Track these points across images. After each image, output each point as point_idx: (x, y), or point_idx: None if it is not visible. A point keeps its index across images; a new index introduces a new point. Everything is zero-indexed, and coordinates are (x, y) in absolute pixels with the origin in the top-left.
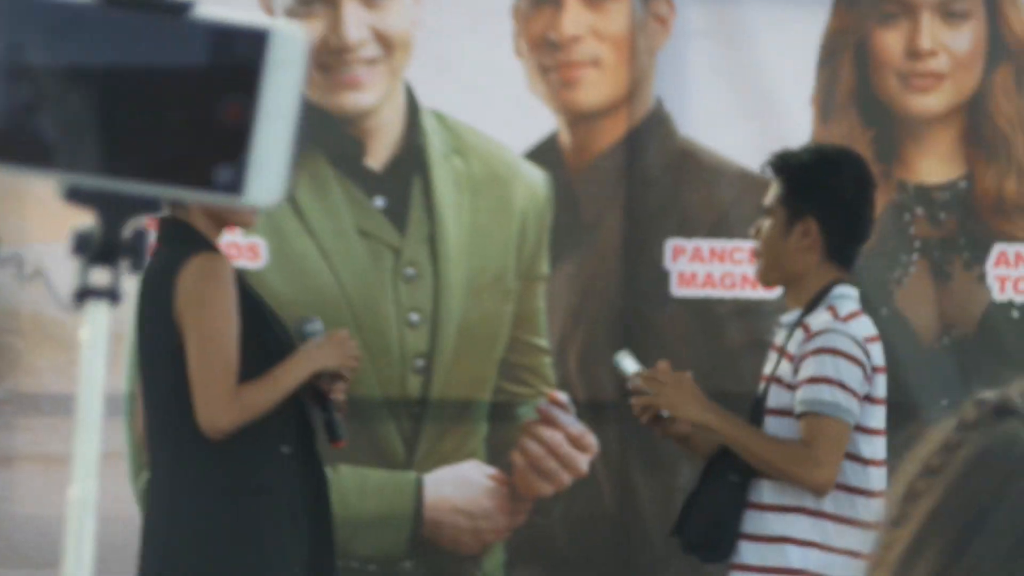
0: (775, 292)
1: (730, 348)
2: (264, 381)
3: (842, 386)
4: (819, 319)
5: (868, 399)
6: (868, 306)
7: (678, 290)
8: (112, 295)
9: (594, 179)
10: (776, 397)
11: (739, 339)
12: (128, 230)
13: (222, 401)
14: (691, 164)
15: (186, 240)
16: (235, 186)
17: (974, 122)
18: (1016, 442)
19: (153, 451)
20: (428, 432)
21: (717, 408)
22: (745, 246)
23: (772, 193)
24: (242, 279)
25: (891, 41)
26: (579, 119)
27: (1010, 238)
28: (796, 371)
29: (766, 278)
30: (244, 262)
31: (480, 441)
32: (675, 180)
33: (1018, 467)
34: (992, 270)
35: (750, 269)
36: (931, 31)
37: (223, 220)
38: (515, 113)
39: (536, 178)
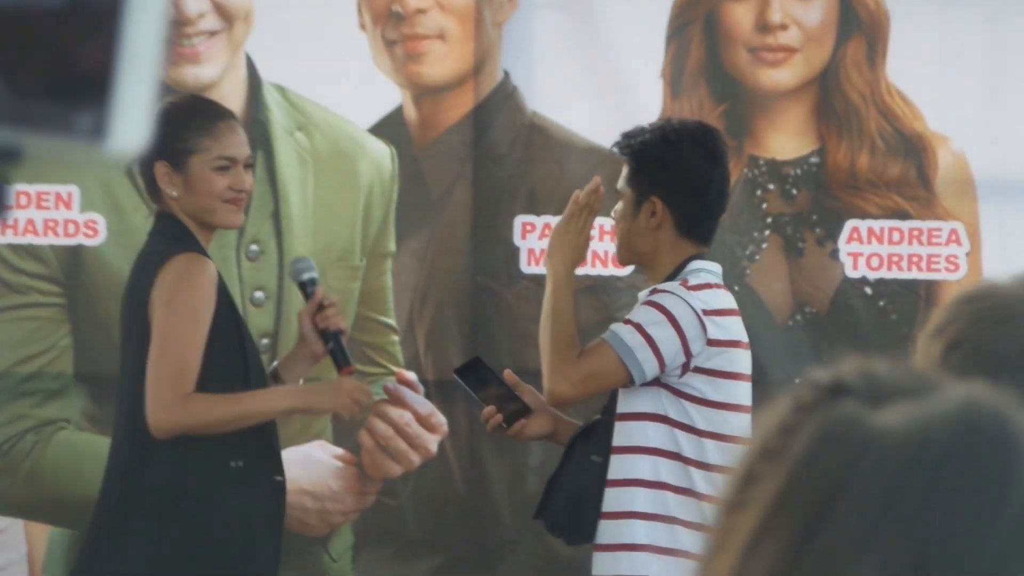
0: (626, 270)
1: (581, 325)
2: (224, 398)
3: (646, 337)
4: (667, 284)
5: (702, 371)
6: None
7: (528, 267)
8: None
9: (441, 154)
10: None
11: (590, 316)
12: None
13: (168, 403)
14: (540, 139)
15: (175, 236)
16: (98, 132)
17: (826, 96)
18: (856, 424)
19: (113, 440)
20: None
21: (569, 280)
22: (595, 223)
23: (622, 174)
24: (224, 287)
25: (741, 14)
26: (425, 93)
27: (862, 214)
28: None
29: (621, 258)
30: (82, 239)
31: (327, 421)
32: (524, 156)
33: (861, 450)
34: (844, 246)
35: (600, 246)
36: (781, 4)
37: (205, 223)
38: (359, 87)
39: (382, 153)
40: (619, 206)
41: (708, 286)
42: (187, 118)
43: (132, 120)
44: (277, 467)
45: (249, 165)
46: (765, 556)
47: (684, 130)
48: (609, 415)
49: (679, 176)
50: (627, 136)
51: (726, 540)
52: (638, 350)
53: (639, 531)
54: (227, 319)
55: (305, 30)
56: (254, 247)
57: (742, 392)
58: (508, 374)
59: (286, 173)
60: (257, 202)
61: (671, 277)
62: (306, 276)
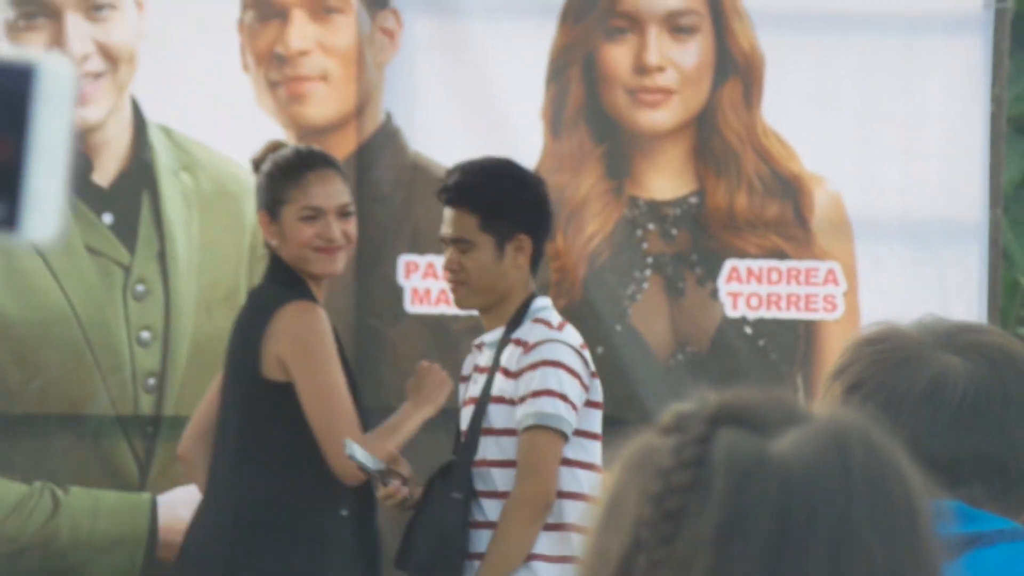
0: None
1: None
2: (383, 431)
3: (563, 398)
4: (535, 332)
5: (587, 403)
6: (603, 323)
7: (412, 306)
8: None
9: None
10: (502, 417)
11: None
12: None
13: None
14: (422, 179)
15: (285, 283)
16: (10, 222)
17: (704, 138)
18: (763, 453)
19: (216, 475)
20: (161, 452)
21: None
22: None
23: (461, 224)
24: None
25: (619, 56)
26: (308, 134)
27: (741, 254)
28: (518, 386)
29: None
30: None
31: None
32: (407, 195)
33: (785, 483)
34: (724, 286)
35: None
36: (658, 46)
37: (305, 272)
38: (244, 128)
39: None
40: (467, 254)
41: (564, 322)
42: (283, 169)
43: (44, 210)
44: (374, 514)
45: (347, 213)
46: None
47: (510, 166)
48: (467, 453)
49: (542, 212)
50: (455, 189)
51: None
52: (563, 412)
53: (519, 571)
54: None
55: (189, 71)
56: (140, 287)
57: (599, 421)
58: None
59: (172, 213)
60: (143, 242)
61: (519, 315)
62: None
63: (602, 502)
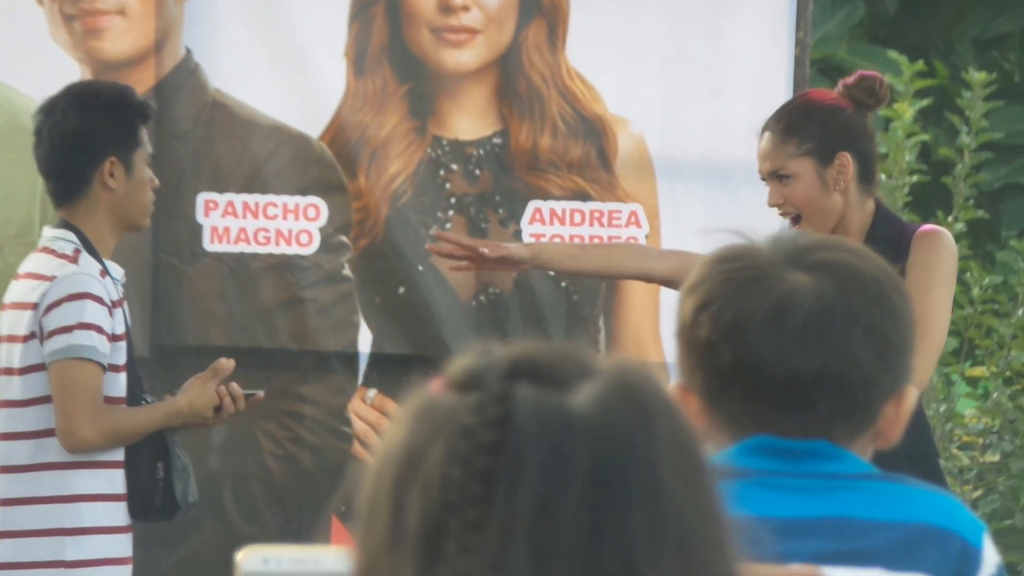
0: (310, 248)
1: (264, 304)
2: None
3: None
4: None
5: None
6: (405, 263)
7: (211, 245)
8: None
9: None
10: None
11: (273, 295)
12: None
13: None
14: (223, 117)
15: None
16: None
17: (508, 78)
18: (568, 412)
19: None
20: None
21: None
22: (279, 201)
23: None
24: None
25: None
26: (105, 69)
27: (544, 195)
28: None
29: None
30: None
31: None
32: (206, 133)
33: (595, 439)
34: (527, 227)
35: (284, 224)
36: None
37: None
38: (37, 62)
39: None
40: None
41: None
42: None
43: None
44: None
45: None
46: (561, 554)
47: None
48: None
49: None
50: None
51: (477, 541)
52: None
53: None
54: None
55: None
56: None
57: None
58: None
59: None
60: None
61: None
62: None
63: (393, 460)
